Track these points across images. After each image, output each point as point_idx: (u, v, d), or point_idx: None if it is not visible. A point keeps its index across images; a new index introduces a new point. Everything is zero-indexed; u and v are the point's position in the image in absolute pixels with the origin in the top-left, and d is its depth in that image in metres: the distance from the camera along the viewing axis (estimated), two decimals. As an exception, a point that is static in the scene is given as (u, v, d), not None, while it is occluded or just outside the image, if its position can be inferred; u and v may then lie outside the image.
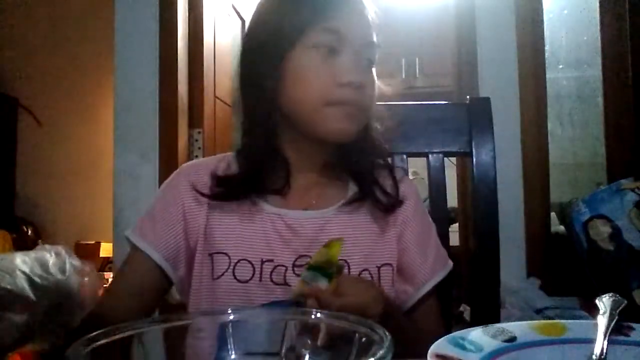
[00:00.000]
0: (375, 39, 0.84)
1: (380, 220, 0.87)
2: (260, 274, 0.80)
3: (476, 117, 1.06)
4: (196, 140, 2.09)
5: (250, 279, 0.80)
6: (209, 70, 2.19)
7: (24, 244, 3.50)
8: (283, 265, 0.80)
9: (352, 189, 0.89)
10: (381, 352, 0.37)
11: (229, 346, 0.47)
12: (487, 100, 1.08)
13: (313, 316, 0.46)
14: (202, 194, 0.84)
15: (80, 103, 3.77)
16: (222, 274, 0.81)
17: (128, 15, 2.03)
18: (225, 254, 0.81)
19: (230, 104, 2.49)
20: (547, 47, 2.04)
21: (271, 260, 0.81)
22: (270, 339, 0.48)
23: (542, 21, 2.02)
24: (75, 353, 0.39)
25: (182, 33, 2.06)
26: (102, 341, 0.42)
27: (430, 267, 0.87)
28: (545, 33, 2.03)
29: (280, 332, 0.47)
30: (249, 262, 0.81)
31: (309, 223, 0.84)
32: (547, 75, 2.01)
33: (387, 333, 0.39)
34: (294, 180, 0.87)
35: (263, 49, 0.82)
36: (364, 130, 0.86)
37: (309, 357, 0.45)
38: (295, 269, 0.80)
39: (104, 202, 2.74)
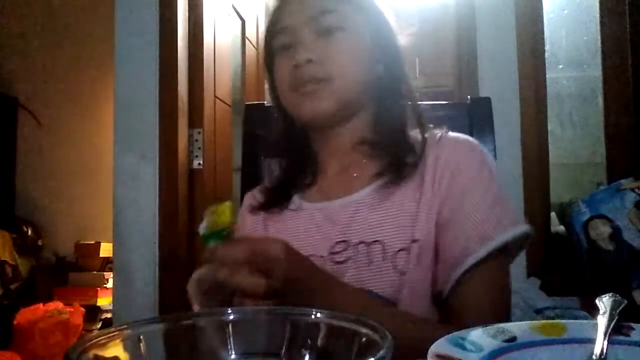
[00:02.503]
0: (329, 5, 0.83)
1: (415, 194, 0.81)
2: None
3: (476, 117, 1.06)
4: (196, 140, 2.09)
5: None
6: (209, 70, 2.19)
7: (24, 244, 3.51)
8: (321, 256, 0.82)
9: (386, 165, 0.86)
10: (381, 352, 0.37)
11: (228, 346, 0.47)
12: (487, 100, 1.08)
13: (313, 316, 0.46)
14: (256, 210, 0.91)
15: (80, 103, 3.77)
16: None
17: (128, 15, 2.03)
18: None
19: (230, 104, 2.49)
20: (547, 47, 2.04)
21: (310, 255, 0.81)
22: (270, 339, 0.48)
23: (542, 21, 2.02)
24: (76, 353, 0.39)
25: (182, 33, 2.06)
26: (103, 341, 0.42)
27: (478, 236, 0.76)
28: (545, 33, 2.03)
29: (280, 332, 0.47)
30: None
31: (343, 210, 0.84)
32: (547, 75, 2.01)
33: (387, 333, 0.39)
34: (330, 169, 0.89)
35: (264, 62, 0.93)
36: (380, 104, 0.86)
37: (309, 357, 0.45)
38: (333, 255, 0.81)
39: (104, 202, 2.74)
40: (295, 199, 0.89)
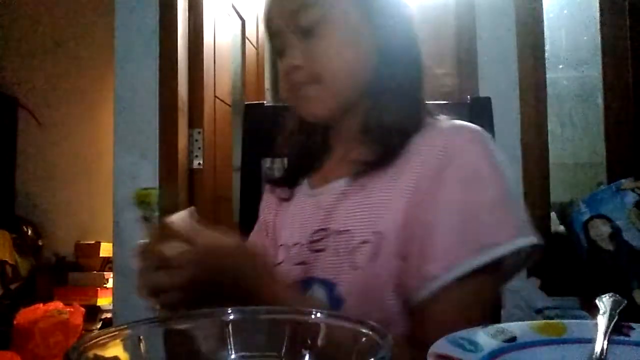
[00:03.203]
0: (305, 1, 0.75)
1: (390, 181, 0.73)
2: (288, 255, 0.81)
3: (476, 117, 1.06)
4: (196, 140, 2.09)
5: (281, 262, 0.82)
6: (209, 70, 2.19)
7: (24, 244, 3.50)
8: (297, 244, 0.80)
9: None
10: (381, 352, 0.37)
11: (228, 346, 0.47)
12: (487, 100, 1.08)
13: (313, 316, 0.46)
14: (272, 184, 0.92)
15: (80, 103, 3.77)
16: (278, 262, 0.83)
17: (128, 16, 2.03)
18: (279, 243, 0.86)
19: (230, 104, 2.49)
20: (547, 47, 2.04)
21: (298, 242, 0.81)
22: (270, 339, 0.48)
23: (542, 21, 2.02)
24: (76, 353, 0.39)
25: (182, 33, 2.06)
26: (103, 341, 0.42)
27: (468, 244, 0.66)
28: (545, 33, 2.03)
29: (280, 332, 0.47)
30: (285, 245, 0.83)
31: (329, 196, 0.79)
32: (547, 75, 2.01)
33: (387, 333, 0.39)
34: (335, 154, 0.85)
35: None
36: (378, 90, 0.77)
37: (309, 357, 0.45)
38: (312, 244, 0.77)
39: (104, 202, 2.74)
40: (303, 184, 0.86)
